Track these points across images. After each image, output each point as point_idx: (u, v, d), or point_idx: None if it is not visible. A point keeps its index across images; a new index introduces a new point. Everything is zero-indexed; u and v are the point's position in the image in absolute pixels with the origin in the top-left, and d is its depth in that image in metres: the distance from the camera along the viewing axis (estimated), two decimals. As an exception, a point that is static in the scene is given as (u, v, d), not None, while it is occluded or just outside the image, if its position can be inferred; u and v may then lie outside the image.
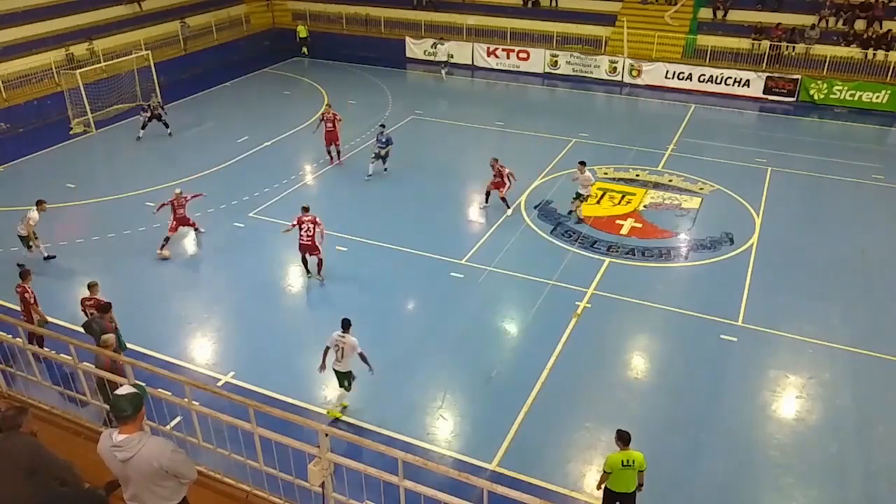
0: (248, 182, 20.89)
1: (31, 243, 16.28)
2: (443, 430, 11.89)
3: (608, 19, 32.55)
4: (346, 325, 11.60)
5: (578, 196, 18.57)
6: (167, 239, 17.00)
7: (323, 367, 11.63)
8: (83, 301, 12.97)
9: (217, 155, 22.97)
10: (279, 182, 20.89)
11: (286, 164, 22.39)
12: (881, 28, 28.69)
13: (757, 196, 20.15)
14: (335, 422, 11.90)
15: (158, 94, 26.34)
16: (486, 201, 19.37)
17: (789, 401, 12.62)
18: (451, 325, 14.56)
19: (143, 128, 24.35)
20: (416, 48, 34.93)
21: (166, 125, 24.66)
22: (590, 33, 32.32)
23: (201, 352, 13.88)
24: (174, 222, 17.03)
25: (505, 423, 11.84)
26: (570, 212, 18.78)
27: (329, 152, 22.41)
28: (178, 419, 7.59)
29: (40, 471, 5.59)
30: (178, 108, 27.94)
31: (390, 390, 12.65)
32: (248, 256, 17.18)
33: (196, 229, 17.77)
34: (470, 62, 33.70)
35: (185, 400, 6.44)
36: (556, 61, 32.35)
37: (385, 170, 21.45)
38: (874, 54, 28.12)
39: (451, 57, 32.84)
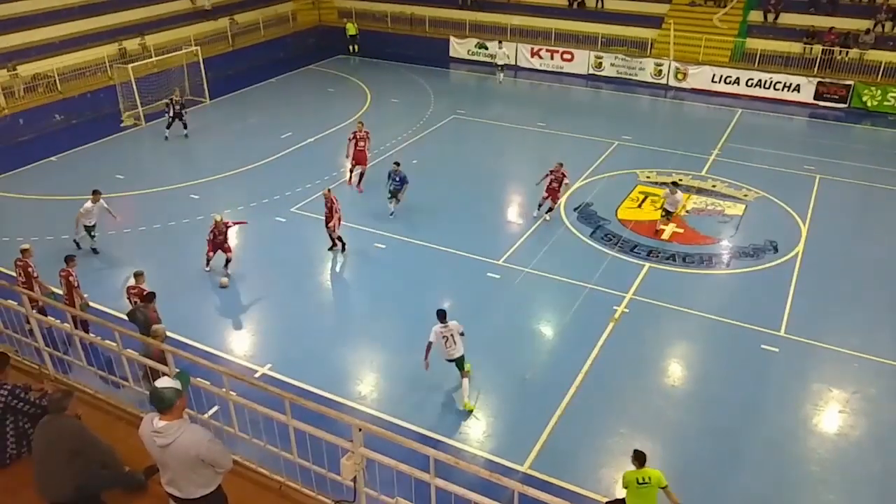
0: (291, 177, 21.16)
1: (92, 233, 16.75)
2: (476, 430, 11.89)
3: (654, 21, 32.13)
4: (442, 315, 11.90)
5: (667, 213, 18.15)
6: (208, 261, 16.30)
7: (427, 363, 11.86)
8: (128, 290, 13.32)
9: (261, 150, 23.31)
10: (321, 178, 21.11)
11: (328, 161, 22.61)
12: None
13: (803, 204, 19.69)
14: (469, 414, 12.09)
15: (188, 88, 26.70)
16: (540, 209, 18.84)
17: (832, 415, 12.31)
18: (487, 325, 14.54)
19: (168, 127, 24.18)
20: (459, 48, 34.96)
21: (185, 125, 24.26)
22: (635, 35, 31.94)
23: (240, 343, 14.12)
24: (210, 246, 16.11)
25: (538, 425, 11.79)
26: (657, 230, 18.15)
27: (352, 172, 20.76)
28: (215, 408, 7.71)
29: (83, 452, 5.77)
30: (225, 102, 28.51)
31: (425, 388, 12.69)
32: (289, 250, 17.40)
33: (228, 259, 16.15)
34: (514, 63, 33.57)
35: (223, 390, 6.56)
36: (601, 63, 32.05)
37: (392, 211, 18.97)
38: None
39: (508, 58, 32.53)
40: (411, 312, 14.71)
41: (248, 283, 16.18)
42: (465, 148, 24.19)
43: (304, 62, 34.18)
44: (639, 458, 9.09)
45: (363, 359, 13.81)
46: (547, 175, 18.56)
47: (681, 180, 21.12)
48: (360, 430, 5.81)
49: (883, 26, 28.75)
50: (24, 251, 13.71)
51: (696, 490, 10.38)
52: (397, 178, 18.79)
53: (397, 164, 19.02)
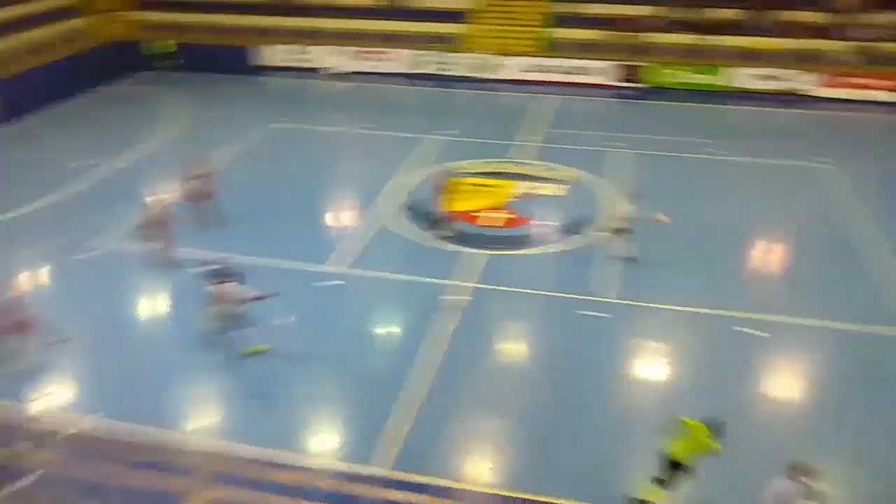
0: (98, 211, 19.49)
1: None
2: (329, 441, 11.58)
3: (463, 16, 33.07)
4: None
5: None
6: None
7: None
8: None
9: (56, 181, 21.22)
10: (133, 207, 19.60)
11: (140, 187, 21.06)
12: (713, 15, 30.91)
13: (619, 178, 21.10)
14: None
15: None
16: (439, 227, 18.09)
17: (659, 366, 13.39)
18: (330, 333, 14.21)
19: None
20: (271, 55, 33.92)
21: None
22: (448, 31, 32.72)
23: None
24: None
25: (398, 425, 11.68)
26: (488, 218, 18.53)
27: (199, 210, 17.94)
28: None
29: None
30: (13, 130, 25.72)
31: (264, 408, 12.18)
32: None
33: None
34: (333, 67, 33.15)
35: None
36: (418, 61, 32.50)
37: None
38: (706, 40, 30.27)
39: (330, 64, 31.96)
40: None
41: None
42: (287, 157, 23.55)
43: (96, 83, 31.03)
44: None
45: (191, 381, 12.93)
46: None
47: (505, 168, 21.92)
48: (200, 468, 5.39)
49: (668, 12, 31.53)
50: None
51: (548, 456, 10.81)
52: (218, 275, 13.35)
53: (219, 266, 13.56)
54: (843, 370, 13.23)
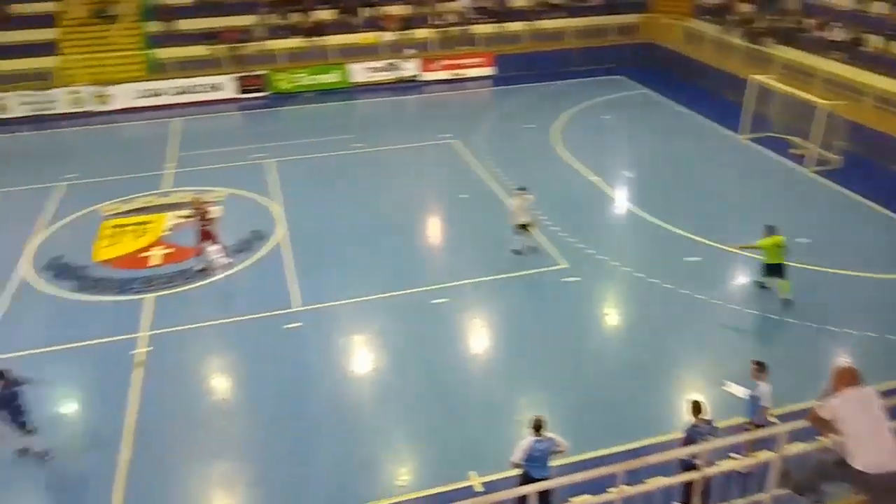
0: None
1: None
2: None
3: (50, 48, 29.50)
4: None
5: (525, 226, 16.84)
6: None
7: None
8: None
9: None
10: None
11: None
12: (309, 18, 32.23)
13: (268, 188, 21.02)
14: None
15: None
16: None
17: (365, 357, 13.84)
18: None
19: None
20: None
21: None
22: (36, 66, 28.87)
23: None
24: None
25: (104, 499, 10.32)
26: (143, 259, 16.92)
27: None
28: None
29: None
30: None
31: None
32: None
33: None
34: None
35: None
36: (5, 105, 28.15)
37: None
38: (315, 41, 31.49)
39: None
40: None
41: None
42: None
43: None
44: None
45: None
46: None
47: (150, 203, 20.33)
48: None
49: (271, 19, 32.00)
50: None
51: (281, 483, 10.54)
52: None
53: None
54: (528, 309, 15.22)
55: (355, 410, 12.31)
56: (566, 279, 15.95)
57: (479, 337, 14.58)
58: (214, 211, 17.50)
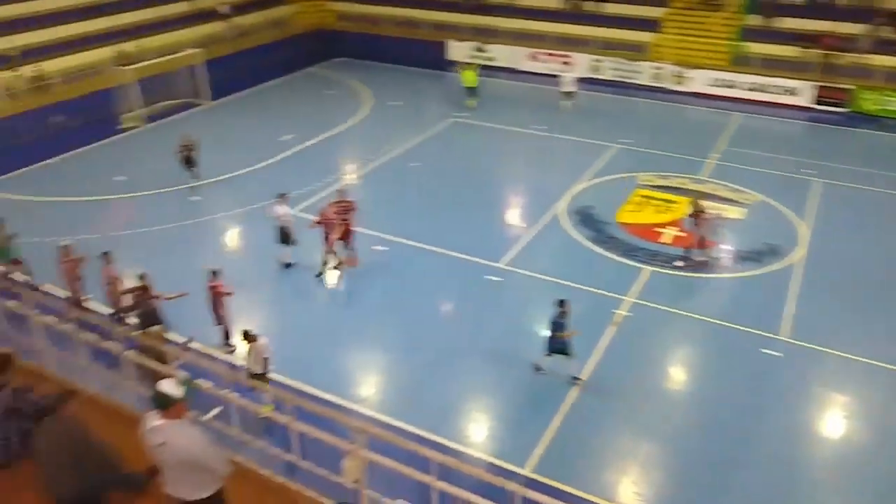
0: (292, 179, 21.05)
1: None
2: (477, 433, 11.85)
3: (651, 25, 32.16)
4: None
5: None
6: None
7: None
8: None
9: (262, 152, 23.26)
10: (322, 180, 21.05)
11: (329, 163, 22.58)
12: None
13: (804, 207, 19.67)
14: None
15: (197, 90, 26.49)
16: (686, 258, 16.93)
17: (834, 420, 12.31)
18: (487, 328, 14.49)
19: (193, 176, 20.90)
20: (457, 50, 34.88)
21: (195, 175, 20.66)
22: (632, 38, 31.95)
23: (241, 346, 14.01)
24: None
25: (541, 427, 11.75)
26: (657, 234, 17.80)
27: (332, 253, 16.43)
28: (217, 410, 7.65)
29: (85, 454, 5.71)
30: (225, 105, 28.48)
31: (425, 391, 12.65)
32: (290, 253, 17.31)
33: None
34: (512, 66, 33.54)
35: (224, 391, 6.52)
36: (599, 66, 32.05)
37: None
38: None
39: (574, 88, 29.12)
40: (410, 315, 14.73)
41: (248, 285, 16.03)
42: (464, 152, 24.16)
43: (303, 64, 34.09)
44: None
45: (364, 362, 13.76)
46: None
47: (682, 184, 21.11)
48: (361, 432, 5.77)
49: (881, 31, 28.76)
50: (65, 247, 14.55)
51: (699, 490, 10.35)
52: None
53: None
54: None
55: (794, 463, 11.22)
56: None
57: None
58: (710, 215, 17.02)
